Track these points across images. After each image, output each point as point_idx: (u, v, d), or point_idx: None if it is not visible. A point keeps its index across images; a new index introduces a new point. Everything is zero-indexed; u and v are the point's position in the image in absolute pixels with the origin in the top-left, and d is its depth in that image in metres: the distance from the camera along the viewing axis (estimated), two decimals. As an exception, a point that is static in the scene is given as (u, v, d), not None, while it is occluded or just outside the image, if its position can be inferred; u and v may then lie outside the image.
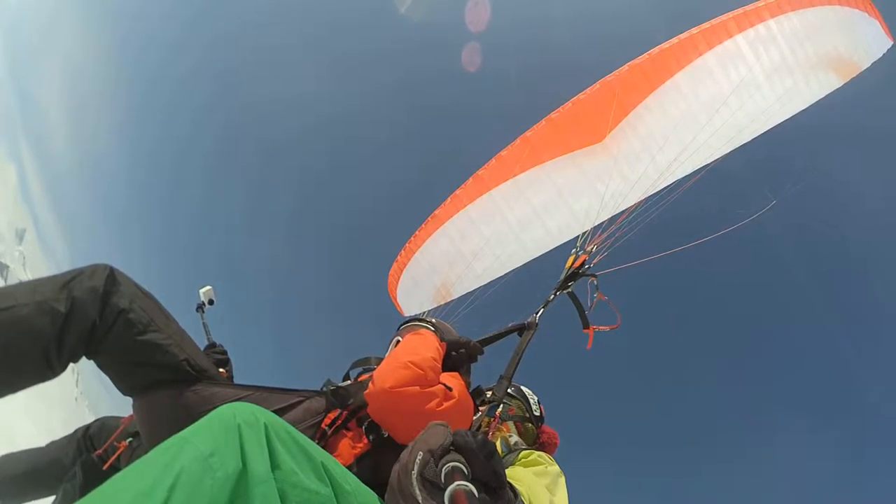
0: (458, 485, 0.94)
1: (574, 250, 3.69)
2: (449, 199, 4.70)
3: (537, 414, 3.17)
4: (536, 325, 2.91)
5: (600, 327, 3.23)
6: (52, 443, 2.72)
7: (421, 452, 1.09)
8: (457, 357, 2.46)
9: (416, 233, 4.94)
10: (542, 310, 3.13)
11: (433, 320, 2.91)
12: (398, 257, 5.11)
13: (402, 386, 1.91)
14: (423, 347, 2.18)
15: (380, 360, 2.41)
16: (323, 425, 2.06)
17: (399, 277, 5.16)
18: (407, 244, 5.01)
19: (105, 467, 2.34)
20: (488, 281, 4.83)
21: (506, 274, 4.82)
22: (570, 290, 3.44)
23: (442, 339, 2.38)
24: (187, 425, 1.23)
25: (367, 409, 2.04)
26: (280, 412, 1.93)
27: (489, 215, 4.57)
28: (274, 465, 1.19)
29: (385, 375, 1.96)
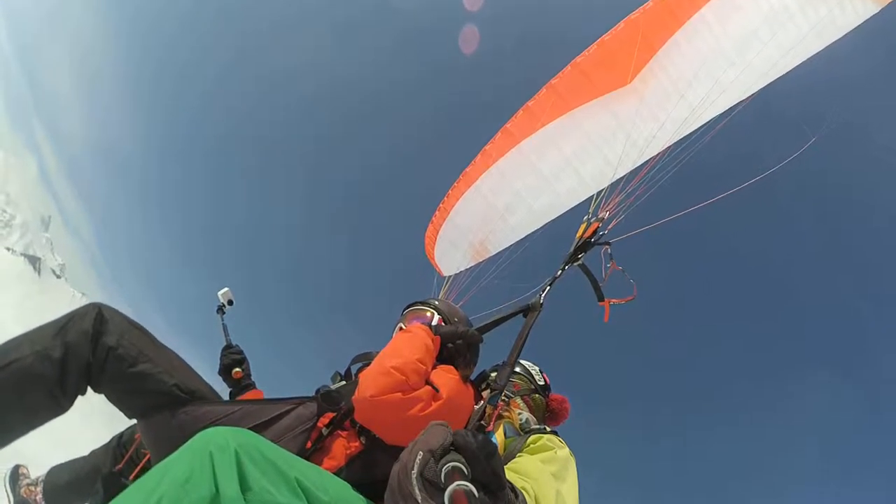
0: (458, 485, 0.95)
1: (586, 217, 3.56)
2: (479, 156, 4.68)
3: (542, 383, 3.20)
4: (541, 305, 2.77)
5: (616, 300, 3.13)
6: (93, 451, 3.03)
7: (421, 452, 1.09)
8: (453, 348, 2.45)
9: (449, 192, 4.96)
10: (548, 288, 2.99)
11: (436, 303, 3.05)
12: (433, 218, 5.15)
13: (384, 394, 1.95)
14: (407, 348, 2.18)
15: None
16: (311, 437, 2.18)
17: (435, 238, 5.19)
18: (440, 204, 5.04)
19: (131, 478, 2.65)
20: (525, 235, 4.82)
21: (543, 226, 4.78)
22: (580, 262, 3.32)
23: (436, 332, 2.41)
24: (182, 444, 1.40)
25: (354, 415, 2.12)
26: (271, 422, 2.12)
27: (520, 168, 4.52)
28: (245, 486, 1.30)
29: (367, 383, 2.01)
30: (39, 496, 2.77)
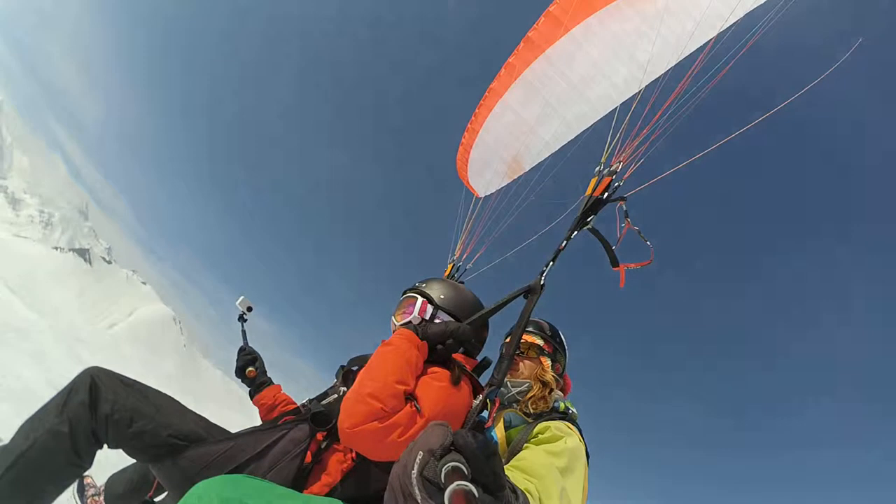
0: (458, 485, 0.95)
1: (597, 169, 3.17)
2: (503, 70, 4.49)
3: (566, 344, 3.12)
4: (542, 287, 2.55)
5: (631, 265, 2.88)
6: None
7: (421, 452, 1.10)
8: (444, 350, 2.45)
9: (476, 110, 4.79)
10: (550, 265, 2.72)
11: (424, 288, 2.92)
12: (462, 139, 5.01)
13: (360, 424, 1.96)
14: (384, 369, 2.15)
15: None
16: (311, 449, 2.35)
17: (467, 159, 5.07)
18: (469, 124, 4.90)
19: None
20: (559, 146, 4.64)
21: (578, 136, 4.55)
22: (590, 226, 2.95)
23: (423, 336, 2.39)
24: (189, 487, 1.67)
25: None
26: (265, 451, 2.28)
27: (548, 77, 4.31)
28: None
29: (345, 412, 2.03)
30: (104, 497, 2.92)
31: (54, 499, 2.11)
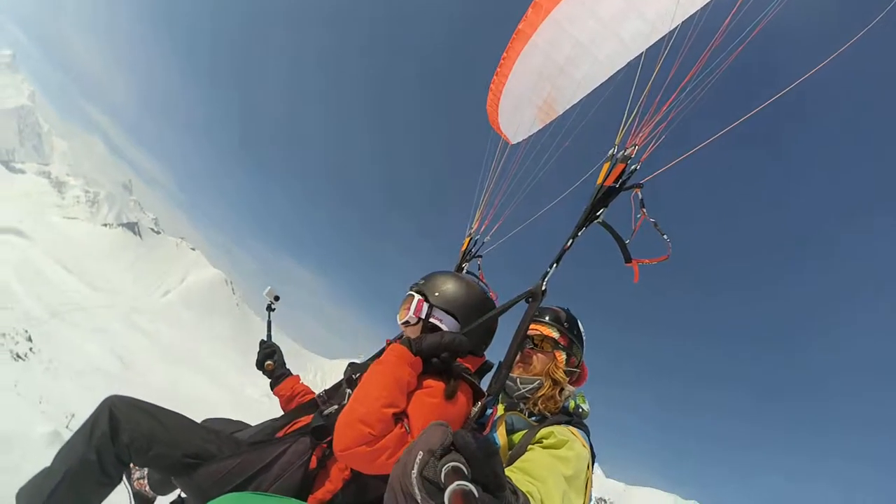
0: (458, 485, 0.97)
1: (610, 152, 2.87)
2: (530, 10, 4.16)
3: (583, 335, 2.99)
4: (543, 293, 2.45)
5: (645, 261, 2.62)
6: None
7: (421, 452, 1.12)
8: (439, 362, 2.45)
9: (504, 54, 4.51)
10: (554, 267, 2.54)
11: (426, 292, 2.81)
12: (491, 85, 4.78)
13: (351, 448, 2.08)
14: (373, 393, 2.20)
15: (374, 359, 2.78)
16: (313, 461, 2.46)
17: (497, 105, 4.83)
18: (497, 69, 4.64)
19: None
20: (592, 88, 4.34)
21: (612, 76, 4.26)
22: (600, 219, 2.69)
23: (416, 351, 2.38)
24: (204, 499, 2.12)
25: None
26: (271, 464, 2.42)
27: (578, 15, 3.99)
28: None
29: (337, 434, 2.15)
30: (147, 487, 3.03)
31: None
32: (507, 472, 1.91)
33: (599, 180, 2.77)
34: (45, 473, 2.38)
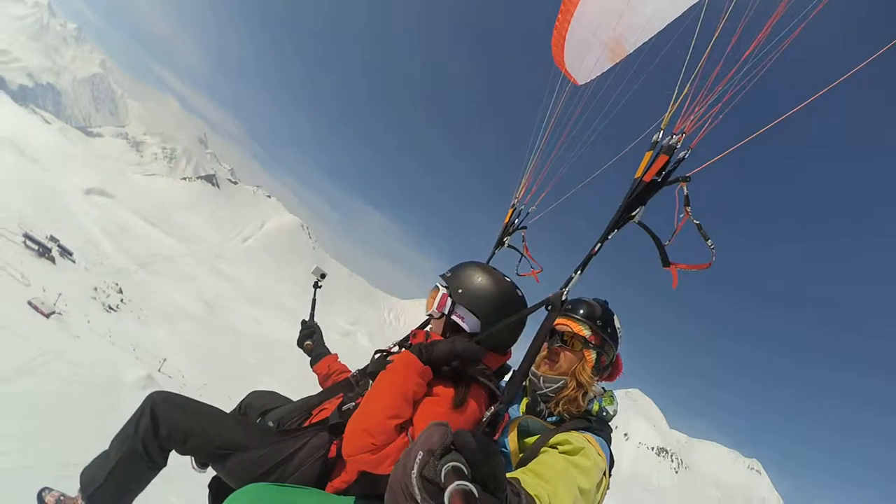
0: (458, 485, 0.96)
1: (655, 137, 2.51)
2: None
3: (619, 332, 2.78)
4: (562, 304, 2.28)
5: (683, 266, 2.33)
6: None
7: (421, 452, 1.10)
8: (450, 370, 2.42)
9: None
10: (578, 274, 2.35)
11: (451, 286, 2.73)
12: (556, 24, 4.41)
13: (355, 454, 2.18)
14: (377, 405, 2.25)
15: (399, 347, 2.88)
16: (332, 450, 2.57)
17: (563, 45, 4.47)
18: (562, 6, 4.27)
19: None
20: (664, 25, 3.97)
21: (684, 13, 3.73)
22: (637, 219, 2.42)
23: (426, 360, 2.36)
24: (236, 485, 2.39)
25: None
26: (292, 455, 2.55)
27: None
28: None
29: (345, 440, 2.26)
30: (194, 463, 3.24)
31: (146, 486, 2.86)
32: (518, 473, 1.92)
33: (638, 173, 2.46)
34: (103, 456, 2.77)
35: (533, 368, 2.60)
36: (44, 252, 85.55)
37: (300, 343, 3.75)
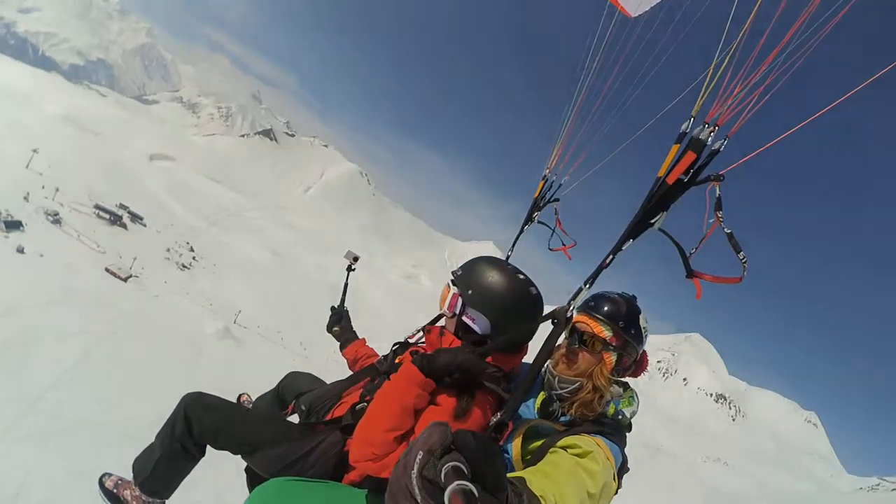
0: (458, 484, 0.96)
1: (684, 127, 2.26)
2: None
3: (645, 331, 2.61)
4: (568, 319, 2.31)
5: (709, 277, 2.18)
6: (264, 394, 3.88)
7: (421, 452, 1.09)
8: (451, 381, 2.42)
9: None
10: (588, 286, 2.32)
11: (460, 285, 2.68)
12: None
13: (359, 461, 2.31)
14: (378, 418, 2.34)
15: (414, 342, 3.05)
16: (348, 444, 2.63)
17: None
18: None
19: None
20: None
21: None
22: (658, 225, 2.26)
23: (429, 372, 2.37)
24: (262, 478, 2.56)
25: None
26: (310, 452, 2.66)
27: None
28: None
29: (352, 447, 2.40)
30: None
31: (190, 471, 3.09)
32: (525, 472, 1.92)
33: (661, 171, 2.27)
34: (150, 449, 3.02)
35: (550, 367, 2.52)
36: (115, 220, 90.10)
37: (329, 328, 3.80)
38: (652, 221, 2.24)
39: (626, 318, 2.52)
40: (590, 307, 2.53)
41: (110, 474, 3.23)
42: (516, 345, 2.66)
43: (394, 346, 3.07)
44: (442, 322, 2.85)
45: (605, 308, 2.54)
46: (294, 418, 3.07)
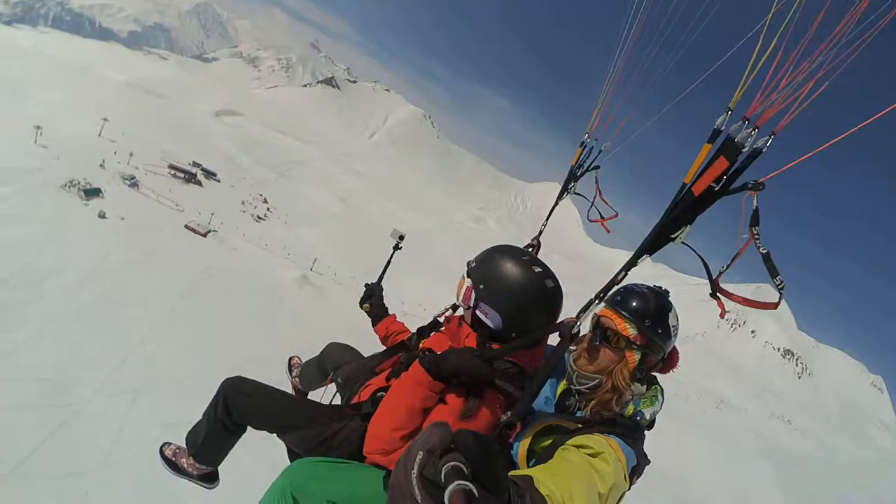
0: (458, 484, 0.97)
1: (723, 119, 1.98)
2: None
3: (674, 329, 2.45)
4: (573, 336, 2.27)
5: (738, 298, 2.03)
6: (310, 360, 4.18)
7: (420, 452, 1.10)
8: (458, 382, 2.43)
9: None
10: (595, 304, 2.28)
11: (473, 279, 2.65)
12: None
13: (371, 454, 2.45)
14: (385, 418, 2.45)
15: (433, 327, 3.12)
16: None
17: None
18: None
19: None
20: None
21: None
22: (681, 239, 2.08)
23: (437, 374, 2.37)
24: (294, 456, 2.88)
25: None
26: (335, 434, 2.75)
27: None
28: None
29: (366, 439, 2.53)
30: (300, 384, 4.13)
31: (236, 443, 3.26)
32: (533, 470, 1.90)
33: (688, 177, 2.07)
34: (199, 424, 3.24)
35: (571, 360, 2.46)
36: (190, 178, 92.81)
37: (361, 304, 3.87)
38: (673, 236, 2.07)
39: (653, 316, 2.39)
40: (616, 302, 2.40)
41: (170, 443, 3.50)
42: (533, 341, 2.58)
43: (416, 331, 3.17)
44: (460, 311, 2.82)
45: (633, 304, 2.40)
46: (332, 388, 3.40)
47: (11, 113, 74.93)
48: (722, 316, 2.23)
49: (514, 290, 2.55)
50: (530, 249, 3.34)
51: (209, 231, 70.16)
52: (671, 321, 2.44)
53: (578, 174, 3.68)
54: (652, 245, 2.12)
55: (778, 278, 1.90)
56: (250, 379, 3.11)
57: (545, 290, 2.58)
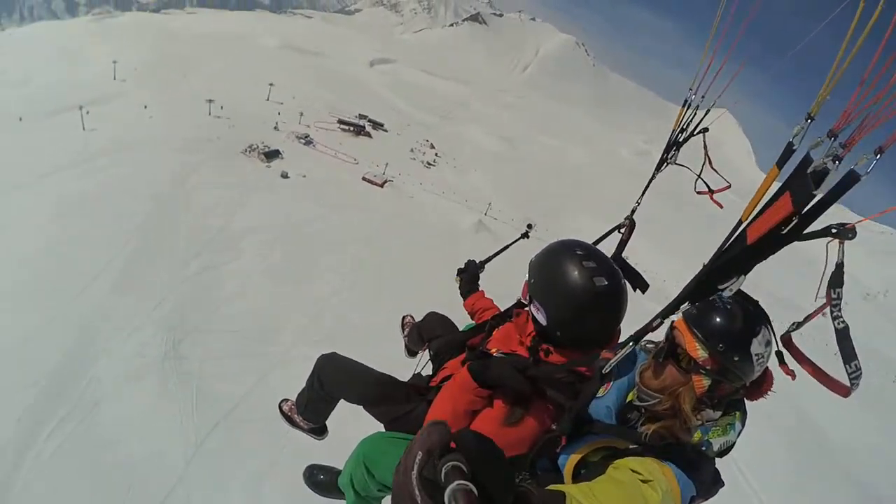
0: (458, 484, 0.98)
1: (796, 131, 1.69)
2: None
3: (758, 358, 2.06)
4: (602, 377, 2.13)
5: (813, 372, 1.66)
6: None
7: (420, 452, 1.11)
8: (500, 389, 2.47)
9: None
10: (630, 346, 2.05)
11: (529, 274, 2.63)
12: None
13: None
14: (436, 417, 2.47)
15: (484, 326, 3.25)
16: None
17: None
18: None
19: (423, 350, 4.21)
20: None
21: None
22: (726, 291, 1.73)
23: (483, 382, 2.40)
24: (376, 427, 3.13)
25: None
26: (405, 414, 2.98)
27: None
28: (357, 480, 2.79)
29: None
30: (408, 342, 4.59)
31: (336, 404, 3.61)
32: (568, 487, 1.87)
33: (745, 215, 1.75)
34: (303, 390, 3.65)
35: (637, 371, 2.30)
36: (359, 130, 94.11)
37: (456, 277, 4.20)
38: (721, 287, 1.72)
39: (733, 341, 2.05)
40: (692, 315, 2.11)
41: (287, 399, 3.93)
42: (587, 343, 2.50)
43: (493, 317, 3.19)
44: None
45: (710, 321, 2.09)
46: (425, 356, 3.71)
47: (185, 90, 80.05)
48: (792, 378, 1.90)
49: (557, 287, 2.43)
50: (621, 230, 3.27)
51: (385, 181, 70.91)
52: (755, 348, 2.04)
53: (681, 141, 3.17)
54: (695, 292, 1.82)
55: (854, 364, 1.47)
56: (341, 356, 3.42)
57: (592, 290, 2.38)
